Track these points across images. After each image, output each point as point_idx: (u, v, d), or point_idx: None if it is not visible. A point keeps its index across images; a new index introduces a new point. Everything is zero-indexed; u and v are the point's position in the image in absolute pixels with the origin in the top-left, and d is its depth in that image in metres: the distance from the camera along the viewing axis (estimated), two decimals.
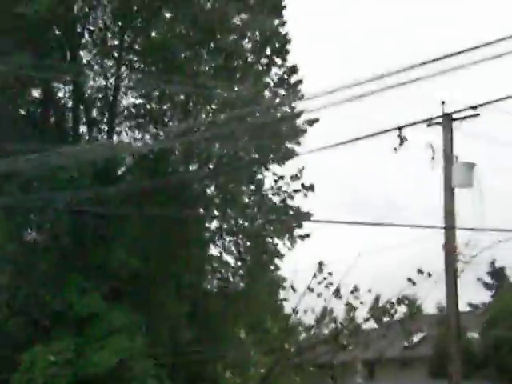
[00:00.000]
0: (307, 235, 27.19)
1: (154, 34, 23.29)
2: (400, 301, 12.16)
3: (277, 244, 27.46)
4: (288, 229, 27.11)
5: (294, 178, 26.17)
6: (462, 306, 20.64)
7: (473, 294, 40.83)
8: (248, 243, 27.21)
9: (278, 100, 24.44)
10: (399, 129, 12.04)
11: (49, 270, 20.63)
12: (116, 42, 23.47)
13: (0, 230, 19.73)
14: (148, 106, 24.14)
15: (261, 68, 24.20)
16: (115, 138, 23.68)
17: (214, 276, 28.15)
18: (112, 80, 23.63)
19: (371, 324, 13.37)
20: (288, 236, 27.10)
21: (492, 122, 16.52)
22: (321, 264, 11.92)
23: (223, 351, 21.29)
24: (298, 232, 27.20)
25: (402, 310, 12.55)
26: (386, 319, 12.53)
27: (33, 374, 18.99)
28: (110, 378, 19.46)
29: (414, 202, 63.05)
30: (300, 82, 24.38)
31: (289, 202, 26.92)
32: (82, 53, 23.35)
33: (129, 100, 24.08)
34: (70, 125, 23.78)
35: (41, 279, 20.39)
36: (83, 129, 24.00)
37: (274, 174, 26.72)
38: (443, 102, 15.72)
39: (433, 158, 15.91)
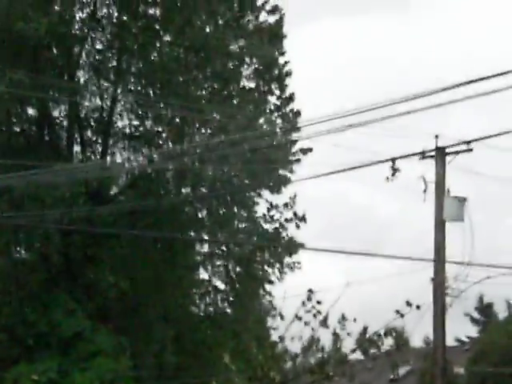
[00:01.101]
0: (298, 263, 27.21)
1: (151, 57, 23.43)
2: (387, 332, 12.14)
3: (267, 271, 27.45)
4: (279, 258, 27.14)
5: (287, 206, 26.25)
6: (449, 341, 20.65)
7: (460, 328, 40.81)
8: (238, 269, 27.17)
9: (273, 128, 24.56)
10: (392, 160, 12.12)
11: (36, 288, 20.52)
12: (113, 64, 23.58)
13: None
14: (143, 128, 24.21)
15: (258, 95, 24.35)
16: (109, 158, 23.71)
17: (202, 300, 28.06)
18: (108, 101, 23.72)
19: (358, 355, 13.29)
20: (279, 264, 27.11)
21: (484, 158, 16.65)
22: (310, 291, 11.90)
23: (208, 377, 21.13)
24: (288, 260, 27.23)
25: (389, 341, 12.51)
26: (372, 350, 12.50)
27: None
28: None
29: (404, 233, 63.17)
30: (297, 113, 24.50)
31: (281, 230, 26.99)
32: (79, 73, 23.46)
33: (124, 121, 24.17)
34: (65, 144, 23.81)
35: (27, 298, 20.27)
36: (77, 148, 24.04)
37: (267, 201, 26.80)
38: (437, 136, 15.83)
39: (425, 190, 15.98)
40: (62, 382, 19.34)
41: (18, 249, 21.87)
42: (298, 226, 26.37)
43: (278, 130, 24.62)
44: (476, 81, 8.79)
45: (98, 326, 20.82)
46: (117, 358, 20.31)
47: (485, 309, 40.40)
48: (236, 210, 26.85)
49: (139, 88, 23.53)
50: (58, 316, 20.17)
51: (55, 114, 23.82)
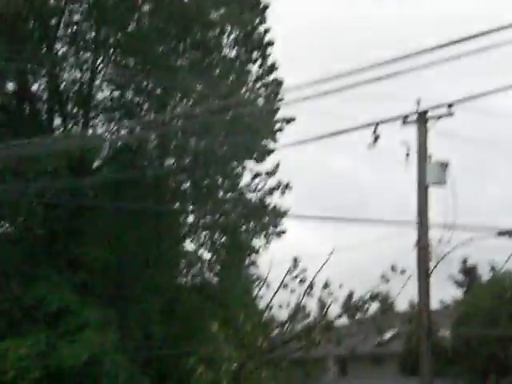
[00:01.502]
0: (283, 232, 27.31)
1: (130, 28, 23.17)
2: (373, 297, 12.21)
3: (251, 239, 27.54)
4: (264, 227, 27.21)
5: (271, 174, 26.25)
6: (434, 304, 20.85)
7: (444, 291, 41.23)
8: (224, 239, 27.23)
9: (255, 96, 24.45)
10: (374, 126, 12.09)
11: (20, 262, 20.46)
12: (92, 35, 23.31)
13: None
14: (123, 99, 24.02)
15: (239, 64, 24.19)
16: (90, 130, 23.55)
17: (188, 271, 28.14)
18: (87, 73, 23.48)
19: (344, 320, 13.40)
20: (264, 233, 27.20)
21: (466, 122, 16.69)
22: (296, 259, 11.93)
23: (196, 346, 21.25)
24: (273, 229, 27.31)
25: (374, 306, 12.58)
26: (358, 316, 12.57)
27: (4, 367, 18.86)
28: (82, 372, 19.38)
29: (387, 199, 63.44)
30: (280, 82, 24.38)
31: (265, 198, 27.02)
32: (57, 45, 23.18)
33: (105, 93, 23.97)
34: (45, 117, 23.60)
35: (12, 272, 20.23)
36: (58, 121, 23.84)
37: (251, 171, 26.79)
38: (418, 101, 15.81)
39: (407, 156, 16.00)
40: (49, 355, 19.38)
41: (1, 223, 21.76)
42: (283, 193, 26.43)
43: (260, 98, 24.53)
44: (459, 41, 8.71)
45: (84, 299, 20.82)
46: (104, 330, 20.36)
47: (469, 271, 40.80)
48: (220, 181, 26.85)
49: (119, 59, 23.31)
50: (44, 290, 20.15)
51: (35, 87, 23.61)
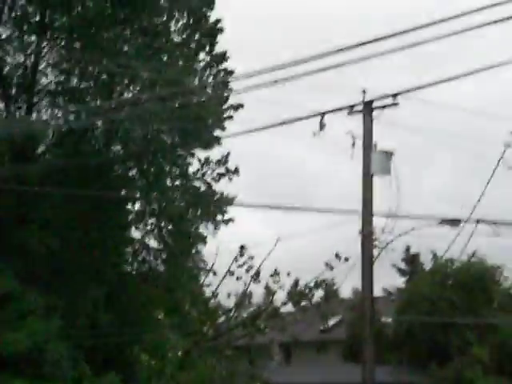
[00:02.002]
0: (231, 220, 27.36)
1: (76, 11, 22.81)
2: (318, 284, 12.36)
3: (197, 227, 27.51)
4: (212, 214, 27.20)
5: (219, 163, 26.27)
6: (377, 291, 21.18)
7: (388, 279, 41.89)
8: (170, 226, 27.15)
9: (203, 84, 24.37)
10: (321, 115, 12.21)
11: None
12: (37, 18, 22.88)
13: None
14: (68, 85, 23.67)
15: (187, 51, 24.05)
16: (34, 115, 23.15)
17: (134, 259, 27.98)
18: (31, 57, 23.06)
19: (289, 307, 13.54)
20: (211, 221, 27.19)
21: (410, 112, 16.97)
22: (242, 247, 11.98)
23: (141, 334, 21.20)
24: (221, 217, 27.32)
25: (319, 293, 12.74)
26: (303, 303, 12.72)
27: None
28: (25, 360, 19.15)
29: (332, 188, 64.12)
30: (230, 72, 24.33)
31: (213, 185, 27.02)
32: (1, 29, 22.69)
33: (49, 78, 23.57)
34: None
35: None
36: (1, 105, 23.38)
37: (199, 159, 26.74)
38: (364, 91, 16.03)
39: (353, 145, 16.22)
40: None
41: None
42: (230, 179, 26.47)
43: (208, 86, 24.45)
44: (403, 32, 8.85)
45: (28, 286, 20.54)
46: (48, 318, 20.15)
47: (411, 259, 41.49)
48: (168, 168, 26.72)
49: (64, 44, 22.95)
50: None
51: None
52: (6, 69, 23.25)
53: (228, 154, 26.13)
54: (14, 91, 23.64)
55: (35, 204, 22.10)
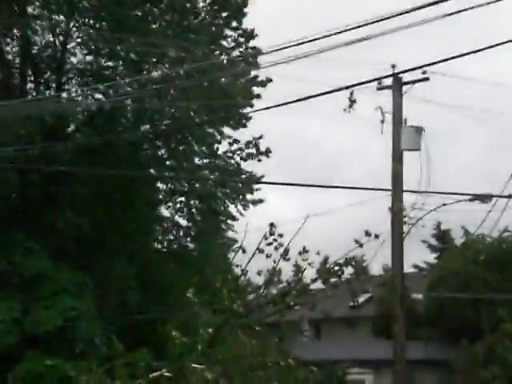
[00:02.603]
0: (260, 200, 27.41)
1: None
2: (347, 262, 12.34)
3: (228, 206, 27.59)
4: (240, 193, 27.27)
5: (249, 144, 26.30)
6: (407, 268, 21.09)
7: (418, 256, 41.70)
8: (200, 205, 27.25)
9: (232, 62, 24.27)
10: (349, 89, 12.08)
11: None
12: None
13: None
14: (97, 64, 23.73)
15: (215, 29, 23.94)
16: (64, 95, 23.28)
17: (164, 237, 28.16)
18: (60, 37, 23.14)
19: (319, 284, 13.56)
20: (240, 200, 27.26)
21: (441, 86, 16.73)
22: (272, 225, 11.99)
23: (172, 311, 21.37)
24: (250, 197, 27.39)
25: (349, 270, 12.74)
26: (333, 280, 12.72)
27: None
28: (58, 337, 19.41)
29: (361, 165, 63.75)
30: (258, 50, 24.18)
31: (243, 165, 27.04)
32: (30, 8, 22.76)
33: (78, 57, 23.65)
34: (18, 81, 23.27)
35: None
36: (31, 86, 23.52)
37: (228, 137, 26.74)
38: (393, 66, 15.81)
39: (382, 121, 16.06)
40: (25, 320, 19.37)
41: None
42: (259, 160, 26.46)
43: (236, 63, 24.34)
44: (436, 3, 8.63)
45: (60, 265, 20.78)
46: (80, 296, 20.38)
47: (442, 235, 41.22)
48: (196, 147, 26.77)
49: (92, 22, 22.97)
50: (18, 256, 20.07)
51: (7, 50, 23.22)
52: (36, 49, 23.38)
53: (260, 136, 26.23)
54: (43, 71, 23.79)
55: (65, 183, 22.28)
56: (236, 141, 27.02)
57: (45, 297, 19.84)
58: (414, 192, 15.87)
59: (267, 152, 26.56)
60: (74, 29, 23.16)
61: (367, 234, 11.34)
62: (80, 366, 16.63)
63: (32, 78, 23.39)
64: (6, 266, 19.95)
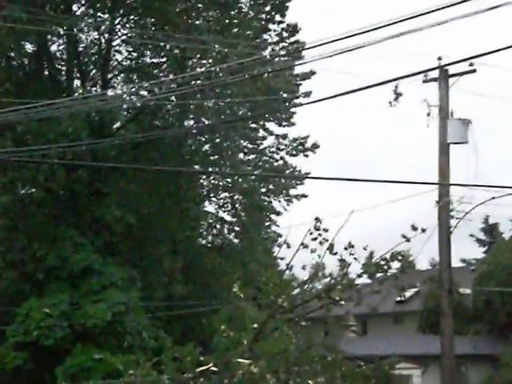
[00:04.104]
0: (304, 195, 27.37)
1: None
2: (393, 256, 12.21)
3: (270, 202, 27.63)
4: (284, 188, 27.28)
5: (295, 141, 26.30)
6: (455, 262, 20.82)
7: (466, 250, 41.18)
8: (244, 200, 27.32)
9: (276, 56, 24.22)
10: (395, 82, 11.93)
11: (43, 224, 20.64)
12: None
13: None
14: (141, 60, 23.91)
15: (259, 24, 23.91)
16: (109, 92, 23.52)
17: (209, 232, 28.32)
18: (105, 34, 23.36)
19: (364, 279, 13.42)
20: (284, 195, 27.27)
21: (488, 78, 16.44)
22: (317, 219, 11.90)
23: (217, 305, 21.47)
24: (294, 192, 27.39)
25: (395, 265, 12.59)
26: (379, 275, 12.60)
27: (28, 326, 19.13)
28: (106, 331, 19.63)
29: (406, 158, 63.13)
30: (301, 44, 24.09)
31: (288, 160, 27.04)
32: (75, 6, 23.04)
33: (122, 54, 23.88)
34: (64, 78, 23.59)
35: (35, 233, 20.42)
36: (77, 82, 23.84)
37: (271, 133, 26.74)
38: (440, 58, 15.59)
39: (428, 114, 15.85)
40: (73, 314, 19.64)
41: (24, 185, 21.90)
42: (306, 156, 26.45)
43: (280, 58, 24.28)
44: None
45: (107, 259, 21.03)
46: (127, 289, 20.58)
47: (490, 229, 40.61)
48: (241, 142, 26.83)
49: (136, 19, 23.15)
50: (67, 251, 20.35)
51: (53, 48, 23.57)
52: (81, 46, 23.66)
53: (307, 136, 26.24)
54: (89, 68, 24.07)
55: (111, 179, 22.54)
56: (282, 136, 27.03)
57: (93, 291, 20.07)
58: (462, 185, 15.65)
59: (314, 147, 26.52)
60: (119, 26, 23.39)
61: (414, 228, 11.19)
62: (127, 359, 16.82)
63: (78, 76, 23.68)
64: (56, 260, 20.25)
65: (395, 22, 8.37)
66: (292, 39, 24.35)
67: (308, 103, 11.40)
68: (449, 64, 14.75)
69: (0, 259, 19.64)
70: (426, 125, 15.86)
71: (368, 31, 8.56)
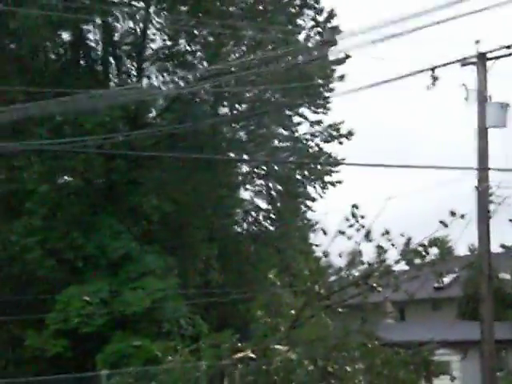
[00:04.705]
0: (339, 182, 27.23)
1: None
2: (431, 243, 12.05)
3: (306, 188, 27.55)
4: (319, 175, 27.17)
5: (331, 127, 26.16)
6: (494, 247, 20.56)
7: (505, 235, 40.59)
8: (279, 187, 27.30)
9: (310, 43, 24.06)
10: (432, 69, 11.81)
11: (81, 212, 20.86)
12: None
13: (33, 173, 19.92)
14: (176, 49, 23.95)
15: (293, 10, 23.79)
16: (144, 81, 23.65)
17: (244, 219, 28.38)
18: (140, 23, 23.45)
19: (402, 266, 13.32)
20: (320, 182, 27.17)
21: None
22: (354, 206, 11.78)
23: (254, 292, 21.54)
24: (329, 178, 27.26)
25: (433, 251, 12.46)
26: (417, 261, 12.47)
27: (68, 314, 19.37)
28: (145, 318, 19.80)
29: (443, 143, 62.43)
30: (336, 29, 23.91)
31: (323, 147, 26.91)
32: None
33: (157, 43, 23.95)
34: (100, 67, 23.75)
35: (73, 222, 20.65)
36: (113, 71, 23.96)
37: (306, 118, 26.60)
38: (477, 41, 15.38)
39: (466, 98, 15.63)
40: (112, 301, 19.85)
41: (62, 174, 22.15)
42: (341, 143, 26.30)
43: (314, 44, 24.12)
44: None
45: (145, 247, 21.19)
46: (165, 277, 20.73)
47: None
48: (275, 129, 26.78)
49: (170, 7, 23.17)
50: (105, 239, 20.55)
51: (89, 37, 23.72)
52: (117, 35, 23.78)
53: (342, 121, 26.08)
54: (124, 57, 24.19)
55: (148, 168, 22.68)
56: (317, 122, 26.90)
57: (132, 278, 20.27)
58: (501, 170, 15.43)
59: (349, 135, 26.35)
60: (153, 15, 23.44)
61: (452, 213, 11.05)
62: (166, 346, 16.94)
63: (114, 65, 23.82)
64: (95, 248, 20.46)
65: (432, 10, 8.26)
66: (327, 25, 24.17)
67: (346, 92, 11.31)
68: (485, 52, 14.51)
69: (40, 248, 19.90)
70: (464, 108, 15.67)
71: (406, 18, 8.46)
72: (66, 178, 22.06)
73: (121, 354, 19.13)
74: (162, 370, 10.83)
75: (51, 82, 18.71)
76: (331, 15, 23.96)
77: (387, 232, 12.21)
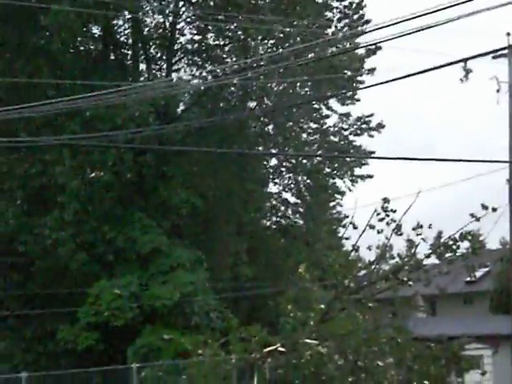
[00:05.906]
0: (369, 176, 27.06)
1: None
2: (463, 236, 11.95)
3: (335, 182, 27.44)
4: (349, 168, 27.04)
5: (360, 120, 26.01)
6: None
7: None
8: (308, 181, 27.23)
9: (338, 35, 23.92)
10: (465, 61, 11.64)
11: (112, 207, 20.98)
12: None
13: (63, 167, 20.07)
14: (205, 42, 23.96)
15: (321, 1, 23.67)
16: (174, 75, 23.70)
17: (273, 213, 28.36)
18: (170, 17, 23.50)
19: (433, 260, 13.21)
20: (349, 175, 27.04)
21: None
22: (385, 200, 11.71)
23: (283, 286, 21.53)
24: (358, 171, 27.12)
25: (464, 245, 12.33)
26: (448, 255, 12.36)
27: (99, 307, 19.51)
28: (174, 311, 19.88)
29: (474, 136, 61.76)
30: (366, 21, 23.74)
31: (353, 140, 26.77)
32: None
33: (186, 37, 23.99)
34: (130, 62, 23.85)
35: (104, 216, 20.77)
36: (142, 66, 24.08)
37: (335, 112, 26.47)
38: (508, 34, 15.18)
39: (498, 90, 15.46)
40: (142, 295, 19.96)
41: (93, 169, 22.28)
42: (371, 136, 26.14)
43: (343, 36, 23.98)
44: None
45: (175, 241, 21.26)
46: (194, 271, 20.79)
47: None
48: (304, 123, 26.69)
49: (200, 1, 23.17)
50: (135, 233, 20.65)
51: (119, 32, 23.81)
52: (146, 30, 23.86)
53: (371, 114, 25.92)
54: (153, 51, 24.27)
55: (177, 162, 22.75)
56: (345, 115, 26.76)
57: (162, 272, 20.35)
58: None
59: (378, 127, 26.20)
60: (183, 9, 23.48)
61: (484, 207, 10.92)
62: (196, 339, 16.99)
63: (143, 59, 23.90)
64: (125, 242, 20.57)
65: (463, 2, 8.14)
66: (356, 16, 24.03)
67: (377, 84, 11.16)
68: None
69: (71, 241, 20.05)
70: (495, 101, 15.49)
71: (435, 11, 8.35)
72: (96, 172, 22.20)
73: (151, 347, 19.23)
74: (191, 363, 10.86)
75: (81, 77, 18.81)
76: (359, 6, 23.81)
77: (418, 226, 12.13)
